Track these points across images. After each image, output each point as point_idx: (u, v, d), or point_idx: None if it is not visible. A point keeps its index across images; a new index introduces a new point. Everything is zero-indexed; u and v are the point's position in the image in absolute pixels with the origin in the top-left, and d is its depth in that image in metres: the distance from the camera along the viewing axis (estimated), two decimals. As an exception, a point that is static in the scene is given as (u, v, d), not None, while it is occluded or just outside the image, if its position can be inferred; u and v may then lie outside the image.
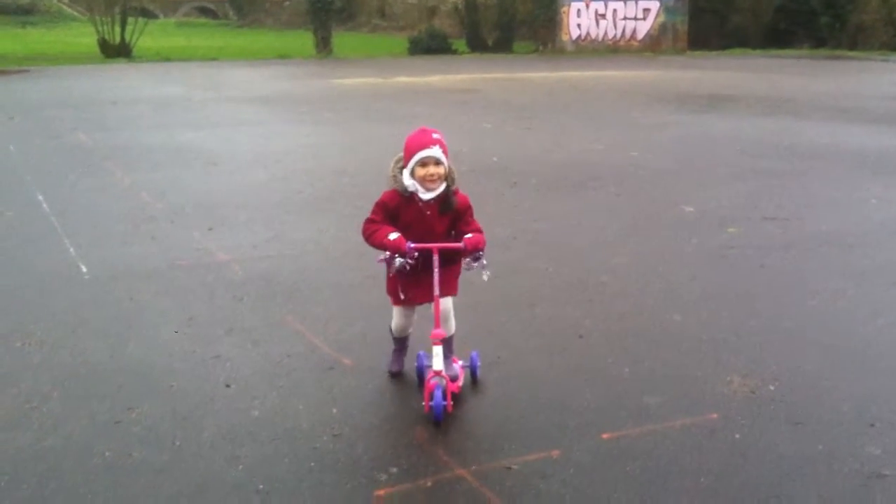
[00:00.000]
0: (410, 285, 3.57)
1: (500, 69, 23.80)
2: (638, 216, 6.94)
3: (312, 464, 3.12)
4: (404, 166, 3.49)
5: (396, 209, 3.52)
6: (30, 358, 4.09)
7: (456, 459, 3.15)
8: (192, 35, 40.46)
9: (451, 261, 3.57)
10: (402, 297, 3.62)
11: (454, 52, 30.86)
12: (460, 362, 3.71)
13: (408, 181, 3.47)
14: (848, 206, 7.33)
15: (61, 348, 4.20)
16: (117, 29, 27.85)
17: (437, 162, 3.44)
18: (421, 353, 3.77)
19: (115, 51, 27.42)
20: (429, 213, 3.51)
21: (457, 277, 3.65)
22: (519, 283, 5.16)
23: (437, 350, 3.45)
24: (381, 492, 2.94)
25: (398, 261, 3.43)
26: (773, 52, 31.17)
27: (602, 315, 4.68)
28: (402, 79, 20.52)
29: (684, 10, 32.65)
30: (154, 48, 28.99)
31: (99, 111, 13.93)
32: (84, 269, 5.50)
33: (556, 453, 3.18)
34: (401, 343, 3.86)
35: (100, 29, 27.62)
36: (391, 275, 3.59)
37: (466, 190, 3.62)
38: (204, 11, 56.73)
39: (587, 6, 31.83)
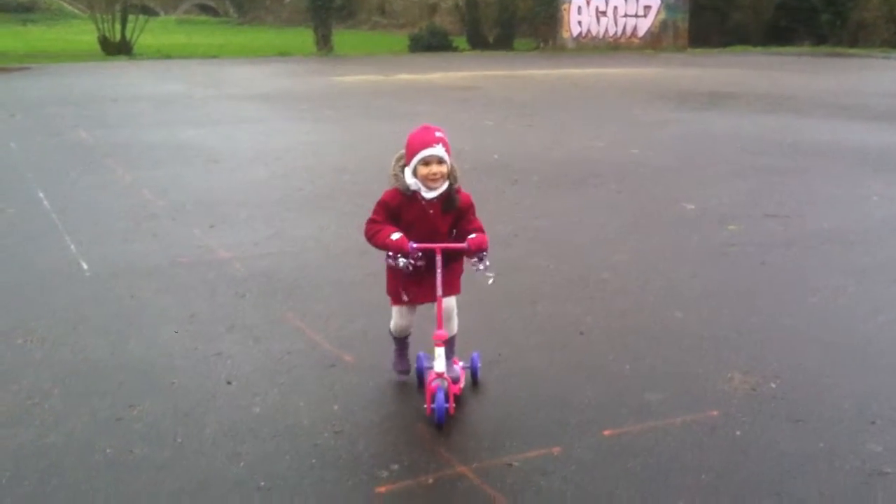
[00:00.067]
0: (412, 285, 3.55)
1: (501, 66, 23.79)
2: (639, 213, 6.94)
3: (314, 461, 3.12)
4: (406, 164, 3.45)
5: (398, 208, 3.48)
6: (31, 355, 4.09)
7: (457, 456, 3.15)
8: (193, 32, 40.44)
9: (453, 259, 3.54)
10: (405, 297, 3.59)
11: (455, 49, 30.85)
12: (461, 363, 3.68)
13: (410, 180, 3.43)
14: (849, 203, 7.33)
15: (62, 345, 4.21)
16: (118, 26, 27.85)
17: (440, 161, 3.39)
18: (421, 354, 3.75)
19: (116, 48, 27.42)
20: (431, 211, 3.48)
21: (459, 276, 3.62)
22: (520, 281, 5.16)
23: (440, 352, 3.42)
24: (383, 489, 2.94)
25: (401, 261, 3.41)
26: (774, 49, 31.15)
27: (603, 312, 4.68)
28: (403, 76, 20.51)
29: (685, 7, 32.64)
30: (155, 45, 28.98)
31: (100, 108, 13.93)
32: (85, 267, 5.50)
33: (557, 450, 3.18)
34: (401, 343, 3.82)
35: (100, 26, 27.62)
36: (391, 274, 3.57)
37: (467, 187, 3.61)
38: (204, 9, 56.72)
39: (588, 3, 31.81)
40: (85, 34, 31.78)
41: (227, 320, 4.53)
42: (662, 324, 4.50)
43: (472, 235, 3.46)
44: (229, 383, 3.77)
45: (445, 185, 3.46)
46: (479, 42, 31.73)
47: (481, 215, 3.63)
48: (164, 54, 27.18)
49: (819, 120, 12.69)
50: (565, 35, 31.94)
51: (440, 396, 3.34)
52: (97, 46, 27.58)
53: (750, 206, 7.13)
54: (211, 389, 3.71)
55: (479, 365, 3.76)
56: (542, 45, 32.31)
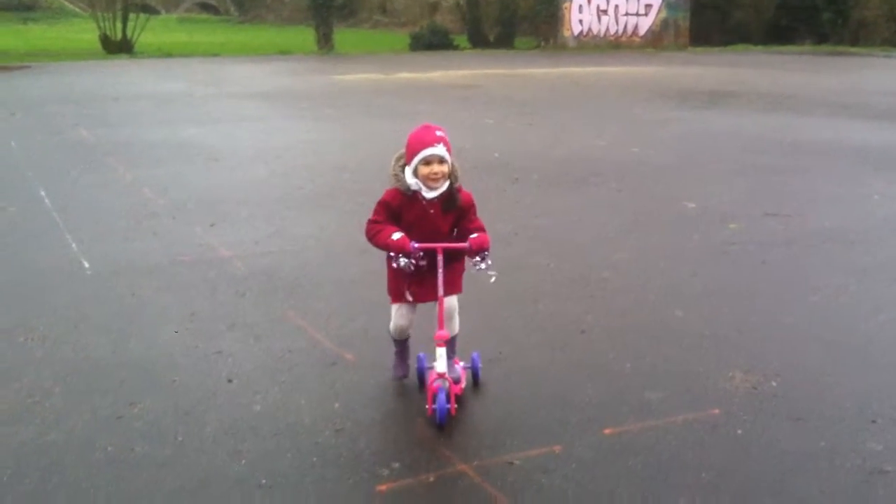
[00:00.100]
0: (414, 284, 3.53)
1: (502, 65, 23.78)
2: (639, 212, 6.94)
3: (314, 459, 3.12)
4: (407, 164, 3.43)
5: (399, 208, 3.46)
6: (32, 353, 4.09)
7: (458, 455, 3.15)
8: (194, 31, 40.41)
9: (454, 259, 3.53)
10: (408, 297, 3.56)
11: (455, 48, 30.86)
12: (461, 363, 3.67)
13: (411, 180, 3.41)
14: (850, 202, 7.33)
15: (63, 343, 4.21)
16: (119, 25, 27.85)
17: (441, 160, 3.37)
18: (421, 354, 3.74)
19: (117, 47, 27.43)
20: (432, 211, 3.46)
21: (461, 275, 3.62)
22: (520, 279, 5.16)
23: (441, 352, 3.41)
24: (383, 487, 2.95)
25: (402, 261, 3.40)
26: (775, 48, 31.14)
27: (604, 311, 4.68)
28: (404, 75, 20.50)
29: (686, 5, 32.63)
30: (155, 44, 28.96)
31: (100, 107, 13.93)
32: (86, 265, 5.50)
33: (557, 448, 3.18)
34: (401, 345, 3.79)
35: (101, 25, 27.63)
36: (393, 273, 3.57)
37: (468, 186, 3.60)
38: (205, 7, 56.67)
39: (589, 2, 31.79)
40: (86, 33, 31.77)
41: (227, 318, 4.54)
42: (663, 322, 4.50)
43: (474, 235, 3.45)
44: (230, 381, 3.77)
45: (446, 185, 3.45)
46: (479, 41, 31.73)
47: (482, 214, 3.63)
48: (165, 53, 27.18)
49: (820, 119, 12.69)
50: (566, 34, 31.93)
51: (441, 397, 3.33)
52: (98, 45, 27.59)
53: (751, 205, 7.13)
54: (212, 387, 3.71)
55: (480, 365, 3.75)
56: (542, 43, 32.30)
